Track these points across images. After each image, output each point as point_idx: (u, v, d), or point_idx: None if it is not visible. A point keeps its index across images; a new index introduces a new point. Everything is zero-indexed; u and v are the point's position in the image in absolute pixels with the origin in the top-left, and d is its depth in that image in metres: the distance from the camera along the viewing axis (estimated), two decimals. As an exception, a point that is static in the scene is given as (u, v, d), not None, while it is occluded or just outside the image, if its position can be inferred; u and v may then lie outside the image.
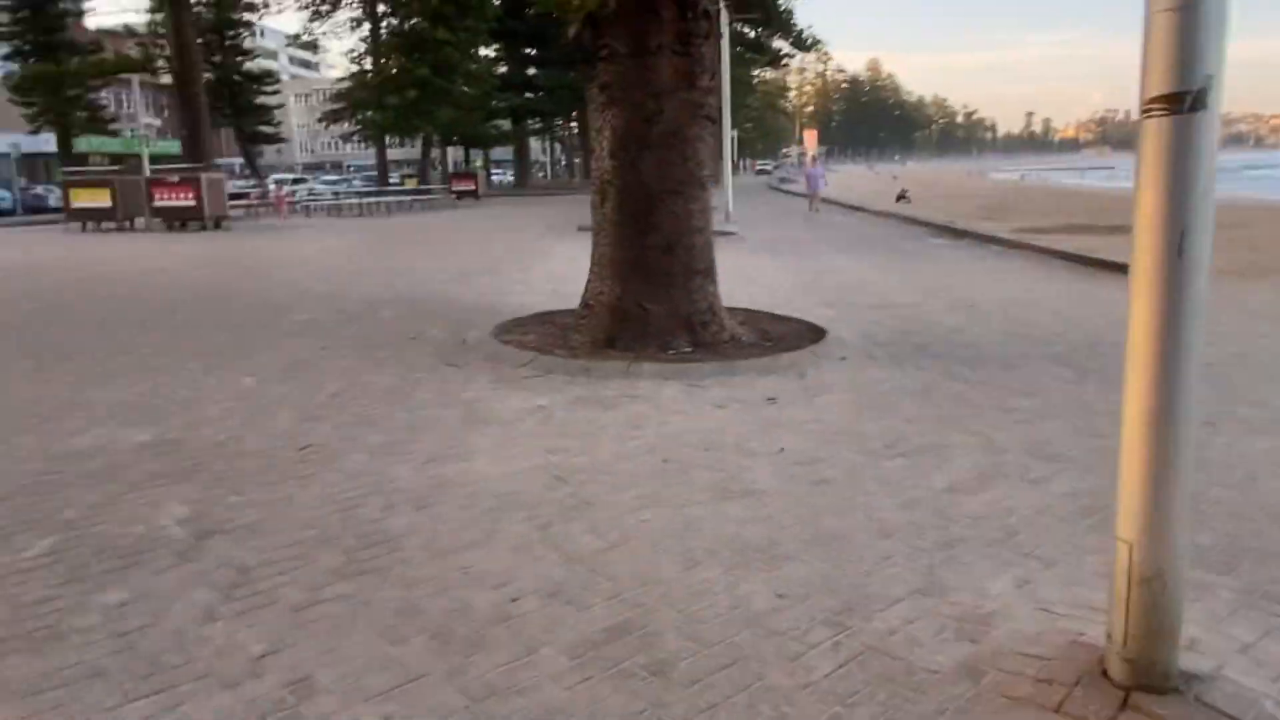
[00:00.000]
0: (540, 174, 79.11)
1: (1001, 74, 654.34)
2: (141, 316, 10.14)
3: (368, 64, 44.48)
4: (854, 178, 64.52)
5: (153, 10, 39.53)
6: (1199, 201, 2.37)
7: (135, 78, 34.74)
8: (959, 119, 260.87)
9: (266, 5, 49.05)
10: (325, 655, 2.94)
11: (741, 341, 7.65)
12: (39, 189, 38.28)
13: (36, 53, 43.46)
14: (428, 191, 39.33)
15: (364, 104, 42.72)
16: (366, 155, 68.51)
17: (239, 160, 59.22)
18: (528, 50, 53.02)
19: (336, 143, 78.95)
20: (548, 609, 3.23)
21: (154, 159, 30.53)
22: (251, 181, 43.63)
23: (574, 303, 8.42)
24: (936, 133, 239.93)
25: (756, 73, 66.99)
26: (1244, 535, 3.76)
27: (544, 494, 4.37)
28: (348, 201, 35.32)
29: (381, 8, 44.57)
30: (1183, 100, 2.33)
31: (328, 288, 12.29)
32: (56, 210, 31.16)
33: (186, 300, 11.38)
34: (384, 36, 44.01)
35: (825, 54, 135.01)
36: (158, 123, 54.62)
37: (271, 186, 40.40)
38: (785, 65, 69.95)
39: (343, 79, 47.76)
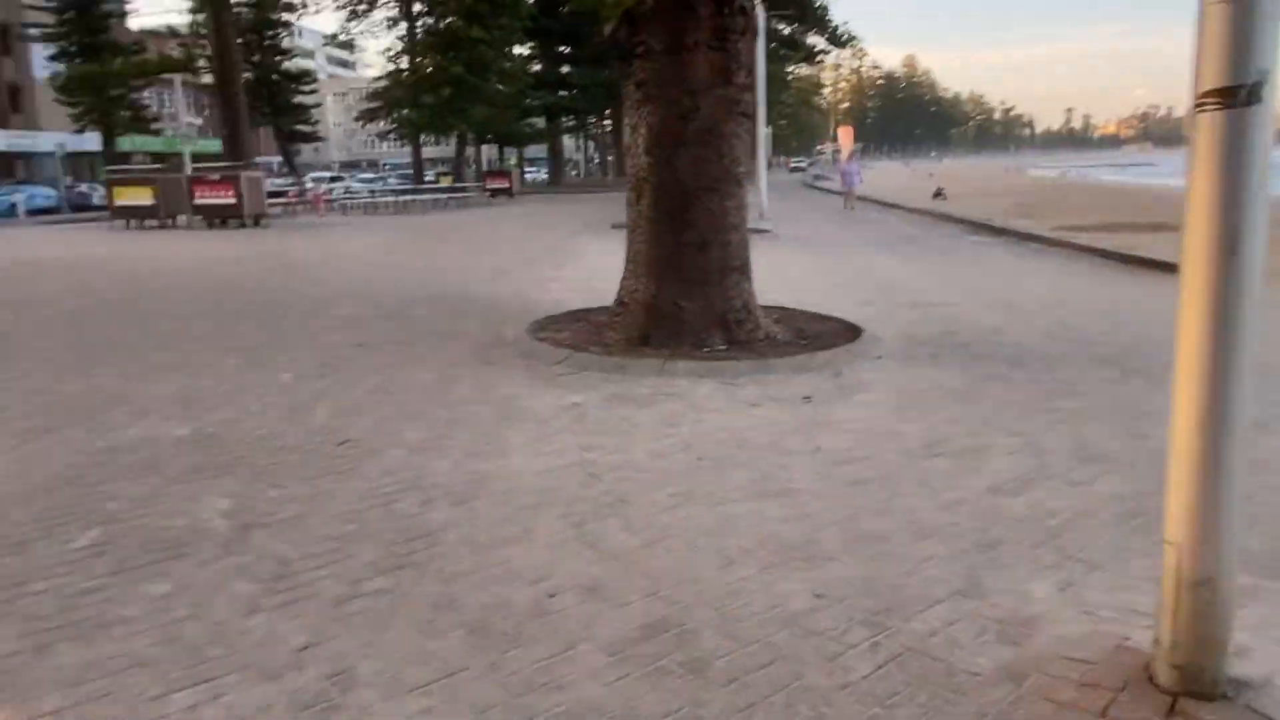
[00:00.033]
0: (574, 172, 79.31)
1: (1040, 70, 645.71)
2: (183, 312, 10.31)
3: (403, 63, 44.83)
4: (889, 174, 63.93)
5: (194, 11, 40.16)
6: (1253, 198, 2.32)
7: (177, 77, 35.44)
8: (996, 115, 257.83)
9: (305, 5, 49.85)
10: (365, 648, 2.97)
11: (777, 340, 7.60)
12: (83, 187, 39.13)
13: (82, 54, 44.50)
14: (462, 189, 39.55)
15: (399, 102, 43.06)
16: (402, 153, 69.31)
17: (277, 159, 60.07)
18: (562, 48, 53.17)
19: (372, 141, 79.96)
20: (585, 605, 3.24)
21: (195, 157, 31.08)
22: (289, 180, 44.14)
23: (608, 300, 8.42)
24: (973, 129, 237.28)
25: (791, 69, 66.62)
26: (1295, 540, 3.67)
27: (579, 491, 4.38)
28: (384, 199, 35.67)
29: (417, 7, 44.91)
30: (1237, 94, 2.28)
31: (364, 285, 12.41)
32: (100, 208, 31.88)
33: (226, 296, 11.55)
34: (419, 35, 44.32)
35: (860, 50, 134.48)
36: (199, 122, 55.52)
37: (309, 184, 40.90)
38: (820, 62, 69.66)
39: (379, 78, 48.18)
